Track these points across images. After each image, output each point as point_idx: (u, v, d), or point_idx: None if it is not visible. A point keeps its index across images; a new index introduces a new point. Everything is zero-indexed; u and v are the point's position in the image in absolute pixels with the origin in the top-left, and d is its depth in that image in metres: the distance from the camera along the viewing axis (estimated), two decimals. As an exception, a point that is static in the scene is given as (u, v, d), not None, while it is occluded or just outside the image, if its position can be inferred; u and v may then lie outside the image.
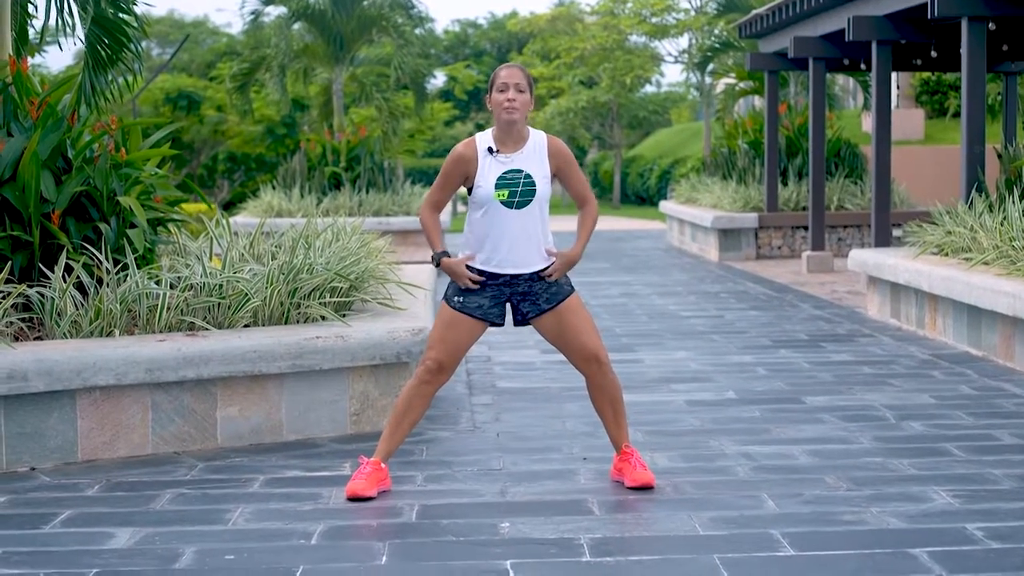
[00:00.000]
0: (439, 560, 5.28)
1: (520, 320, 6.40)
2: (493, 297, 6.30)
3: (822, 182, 18.34)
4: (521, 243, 6.23)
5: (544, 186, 6.24)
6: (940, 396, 8.67)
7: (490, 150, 6.23)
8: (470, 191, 6.29)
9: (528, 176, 6.21)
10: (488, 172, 6.21)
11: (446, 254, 6.27)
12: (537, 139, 6.30)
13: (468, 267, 6.29)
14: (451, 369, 6.35)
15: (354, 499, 6.15)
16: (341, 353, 7.56)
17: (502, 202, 6.18)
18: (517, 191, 6.19)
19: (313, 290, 8.15)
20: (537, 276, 6.29)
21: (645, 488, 6.29)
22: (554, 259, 6.29)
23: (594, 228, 6.47)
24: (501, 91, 6.19)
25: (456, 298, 6.30)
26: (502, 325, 6.43)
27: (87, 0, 8.99)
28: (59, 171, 8.20)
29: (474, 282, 6.23)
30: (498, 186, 6.18)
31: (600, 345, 6.37)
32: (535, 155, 6.26)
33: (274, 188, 22.51)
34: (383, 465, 6.30)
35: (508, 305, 6.37)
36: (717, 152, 23.97)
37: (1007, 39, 16.29)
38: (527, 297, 6.32)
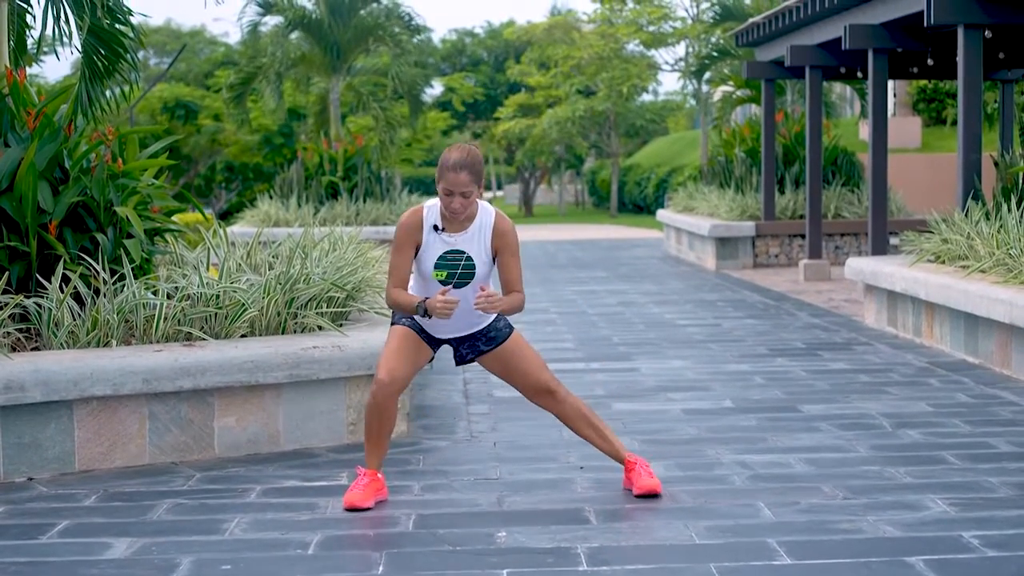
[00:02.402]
0: (435, 570, 5.28)
1: (459, 360, 6.45)
2: (430, 338, 6.34)
3: (819, 190, 18.36)
4: (458, 317, 6.22)
5: (484, 269, 6.19)
6: (937, 404, 8.68)
7: (435, 227, 6.16)
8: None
9: (469, 259, 6.15)
10: (431, 249, 6.16)
11: (425, 299, 6.14)
12: (484, 219, 6.20)
13: (402, 318, 6.30)
14: (402, 377, 6.26)
15: (352, 510, 6.16)
16: (338, 363, 7.56)
17: (440, 281, 6.16)
18: (456, 272, 6.15)
19: (310, 300, 8.16)
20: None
21: (652, 495, 6.30)
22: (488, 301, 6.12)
23: (512, 310, 6.21)
24: (447, 195, 6.05)
25: (403, 319, 6.31)
26: (431, 359, 6.44)
27: (83, 11, 8.99)
28: (56, 181, 8.21)
29: (452, 303, 6.10)
30: (437, 266, 6.15)
31: (549, 378, 6.39)
32: (479, 236, 6.19)
33: (271, 198, 22.53)
34: (379, 475, 6.31)
35: (448, 347, 6.43)
36: (714, 161, 24.00)
37: (1003, 47, 16.33)
38: (465, 341, 6.38)
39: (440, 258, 6.16)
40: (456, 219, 6.13)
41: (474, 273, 6.17)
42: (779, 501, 6.21)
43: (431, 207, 6.22)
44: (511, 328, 6.41)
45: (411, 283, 6.29)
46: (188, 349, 7.34)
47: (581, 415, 6.46)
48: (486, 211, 6.23)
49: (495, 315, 6.35)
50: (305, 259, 8.57)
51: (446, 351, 6.55)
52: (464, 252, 6.17)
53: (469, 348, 6.39)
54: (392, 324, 6.37)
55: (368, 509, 6.17)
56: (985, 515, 5.92)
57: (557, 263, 22.44)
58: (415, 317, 6.25)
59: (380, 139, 27.89)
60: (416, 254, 6.20)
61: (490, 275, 6.28)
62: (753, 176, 21.79)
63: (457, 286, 6.17)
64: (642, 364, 10.62)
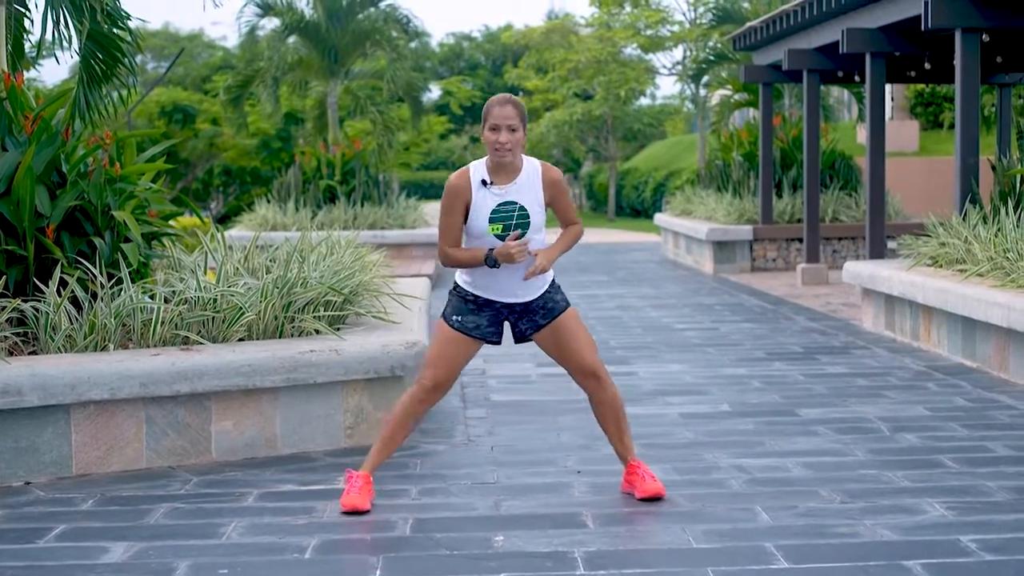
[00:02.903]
0: (433, 574, 5.28)
1: (519, 337, 6.42)
2: (491, 317, 6.31)
3: (816, 194, 18.37)
4: (515, 274, 6.23)
5: (538, 217, 6.21)
6: (934, 408, 8.68)
7: (484, 182, 6.17)
8: (464, 221, 6.25)
9: (522, 209, 6.16)
10: (482, 205, 6.16)
11: (492, 250, 6.15)
12: (531, 168, 6.24)
13: (465, 290, 6.29)
14: (447, 387, 6.36)
15: (351, 513, 6.16)
16: (335, 367, 7.56)
17: (496, 236, 6.15)
18: (511, 224, 6.15)
19: (307, 304, 8.15)
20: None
21: (656, 499, 6.30)
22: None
23: (573, 243, 6.38)
24: (493, 130, 6.10)
25: (455, 317, 6.30)
26: (499, 344, 6.44)
27: (82, 15, 8.99)
28: (54, 185, 8.20)
29: (523, 245, 6.09)
30: (492, 220, 6.15)
31: (597, 361, 6.39)
32: (529, 186, 6.21)
33: (269, 202, 22.51)
34: (371, 479, 6.33)
35: (506, 324, 6.38)
36: (712, 164, 24.00)
37: (1001, 51, 16.34)
38: (524, 316, 6.33)
39: (493, 212, 6.14)
40: (504, 158, 6.10)
41: (529, 222, 6.16)
42: (776, 505, 6.21)
43: (476, 166, 6.23)
44: (568, 303, 6.41)
45: (466, 244, 6.28)
46: (185, 353, 7.33)
47: (615, 408, 6.44)
48: (531, 162, 6.26)
49: (552, 280, 6.37)
50: (302, 263, 8.56)
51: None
52: (516, 202, 6.16)
53: (528, 323, 6.35)
54: (444, 319, 6.33)
55: (367, 511, 6.17)
56: (983, 519, 5.92)
57: (557, 266, 22.41)
58: (473, 295, 6.25)
59: (378, 143, 27.88)
60: (466, 217, 6.19)
61: (544, 222, 6.26)
62: (751, 180, 21.79)
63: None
64: (640, 368, 10.62)
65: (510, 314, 6.34)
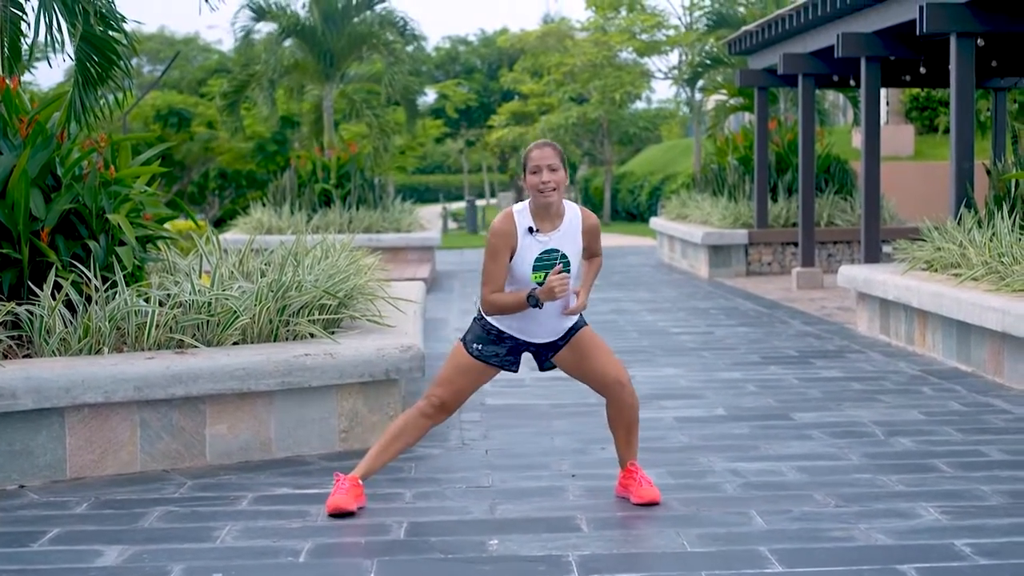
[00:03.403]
0: (427, 578, 5.28)
1: (543, 366, 6.46)
2: (512, 349, 6.33)
3: (811, 198, 18.38)
4: (551, 319, 6.24)
5: (577, 264, 6.22)
6: (929, 412, 8.68)
7: (530, 230, 6.14)
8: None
9: (564, 256, 6.15)
10: (527, 253, 6.13)
11: (535, 289, 6.11)
12: (572, 215, 6.23)
13: (491, 324, 6.28)
14: (453, 409, 6.39)
15: (337, 514, 6.16)
16: (330, 370, 7.56)
17: (538, 283, 6.12)
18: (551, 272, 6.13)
19: (302, 307, 8.15)
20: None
21: (651, 504, 6.29)
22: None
23: (597, 275, 6.49)
24: (534, 173, 6.08)
25: (475, 345, 6.29)
26: (516, 372, 6.47)
27: (76, 18, 8.98)
28: (48, 189, 8.20)
29: (563, 281, 6.07)
30: (535, 268, 6.12)
31: (621, 368, 6.40)
32: (571, 233, 6.21)
33: (264, 205, 22.51)
34: (360, 482, 6.31)
35: (527, 354, 6.41)
36: (707, 168, 24.02)
37: (996, 55, 16.35)
38: (549, 348, 6.37)
39: (537, 260, 6.13)
40: (550, 198, 6.07)
41: (569, 271, 6.16)
42: (771, 509, 6.21)
43: (520, 211, 6.18)
44: (584, 321, 6.43)
45: (505, 285, 6.25)
46: (180, 356, 7.33)
47: (632, 412, 6.41)
48: (572, 208, 6.26)
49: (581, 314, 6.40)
50: (297, 266, 8.56)
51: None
52: (559, 251, 6.16)
53: (550, 348, 6.37)
54: (464, 345, 6.32)
55: (352, 513, 6.17)
56: (977, 523, 5.92)
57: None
58: (498, 331, 6.26)
59: (374, 146, 27.89)
60: (511, 259, 6.17)
61: (580, 268, 6.28)
62: (746, 184, 21.81)
63: None
64: (635, 372, 10.61)
65: (532, 347, 6.35)
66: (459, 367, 6.32)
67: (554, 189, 6.07)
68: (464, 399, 6.40)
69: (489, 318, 6.28)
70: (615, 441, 6.50)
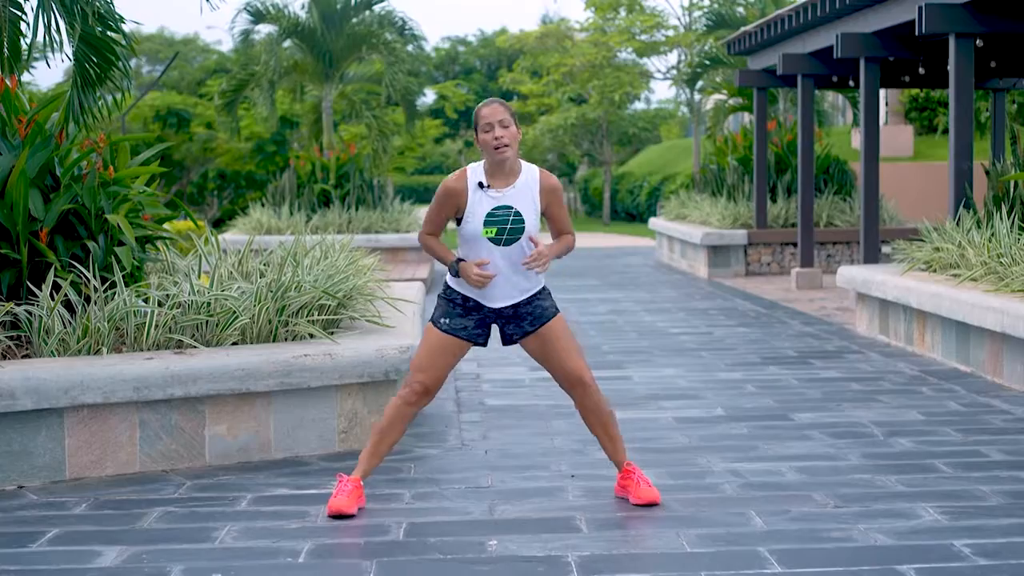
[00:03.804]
0: (427, 578, 5.28)
1: (506, 340, 6.43)
2: (478, 320, 6.33)
3: (811, 199, 18.38)
4: (507, 278, 6.24)
5: (533, 222, 6.22)
6: (928, 412, 8.68)
7: (481, 185, 6.19)
8: (458, 223, 6.27)
9: (517, 213, 6.17)
10: (477, 207, 6.18)
11: (460, 260, 6.22)
12: (529, 174, 6.26)
13: (454, 291, 6.31)
14: (435, 391, 6.39)
15: (337, 517, 6.16)
16: (329, 371, 7.56)
17: (490, 239, 6.16)
18: (506, 228, 6.16)
19: (301, 308, 8.15)
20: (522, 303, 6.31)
21: (651, 505, 6.29)
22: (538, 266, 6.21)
23: (566, 252, 6.41)
24: (486, 131, 6.14)
25: (443, 320, 6.31)
26: (485, 346, 6.46)
27: (75, 18, 8.97)
28: (47, 189, 8.20)
29: (486, 277, 6.15)
30: (486, 223, 6.16)
31: (584, 367, 6.39)
32: (526, 191, 6.22)
33: (263, 205, 22.52)
34: (361, 483, 6.32)
35: (494, 327, 6.39)
36: (706, 169, 24.02)
37: (995, 55, 16.36)
38: (512, 320, 6.34)
39: (488, 215, 6.16)
40: (504, 154, 6.11)
41: (523, 228, 6.18)
42: (770, 509, 6.21)
43: (474, 168, 6.25)
44: (556, 310, 6.42)
45: (459, 247, 6.30)
46: (179, 357, 7.32)
47: (600, 414, 6.43)
48: (529, 168, 6.29)
49: (542, 287, 6.37)
50: (296, 267, 8.56)
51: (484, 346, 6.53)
52: (512, 207, 6.17)
53: (515, 328, 6.35)
54: (433, 323, 6.35)
55: (353, 516, 6.17)
56: (976, 524, 5.92)
57: (549, 271, 22.41)
58: (461, 298, 6.28)
59: (373, 147, 27.87)
60: (459, 217, 6.21)
61: (537, 230, 6.28)
62: (745, 184, 21.82)
63: (507, 243, 6.17)
64: (634, 372, 10.62)
65: (498, 318, 6.35)
66: (432, 347, 6.32)
67: (507, 144, 6.11)
68: (443, 377, 6.38)
69: (450, 281, 6.32)
70: (599, 442, 6.52)
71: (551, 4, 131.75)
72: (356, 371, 7.64)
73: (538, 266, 6.17)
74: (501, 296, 6.30)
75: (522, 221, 6.18)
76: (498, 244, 6.17)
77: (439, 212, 6.29)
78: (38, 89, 39.35)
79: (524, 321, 6.34)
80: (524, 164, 6.28)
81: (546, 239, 6.41)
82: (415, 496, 6.60)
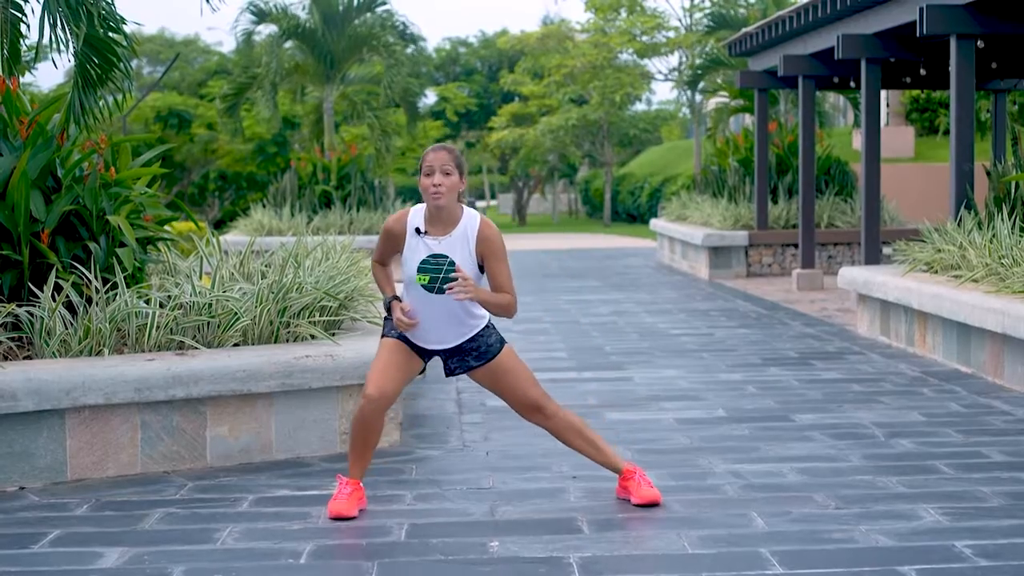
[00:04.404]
0: (428, 579, 5.28)
1: (449, 373, 6.40)
2: (418, 350, 6.29)
3: (812, 200, 18.38)
4: (442, 323, 6.18)
5: (470, 273, 6.08)
6: (929, 413, 8.68)
7: (418, 231, 6.11)
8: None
9: (452, 263, 6.05)
10: (413, 253, 6.11)
11: (396, 298, 6.19)
12: (469, 223, 6.13)
13: (393, 333, 6.26)
14: (391, 393, 6.24)
15: (337, 519, 6.15)
16: (330, 372, 7.56)
17: (423, 286, 6.09)
18: (439, 277, 6.06)
19: (303, 309, 8.15)
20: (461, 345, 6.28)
21: (652, 505, 6.29)
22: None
23: (498, 306, 6.13)
24: (427, 174, 6.04)
25: (392, 330, 6.26)
26: (423, 369, 6.43)
27: (79, 19, 8.98)
28: (48, 190, 8.20)
29: (408, 324, 6.13)
30: (420, 270, 6.07)
31: (539, 394, 6.34)
32: (463, 241, 6.11)
33: (264, 206, 22.53)
34: (360, 485, 6.31)
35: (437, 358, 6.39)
36: (708, 170, 24.02)
37: (996, 57, 16.36)
38: (454, 355, 6.31)
39: (423, 262, 6.08)
40: (438, 201, 6.01)
41: (456, 278, 6.07)
42: (772, 511, 6.21)
43: (417, 211, 6.18)
44: (502, 343, 6.35)
45: (401, 288, 6.27)
46: (180, 358, 7.33)
47: (573, 428, 6.42)
48: (471, 216, 6.16)
49: (484, 326, 6.28)
50: (298, 268, 8.56)
51: (437, 362, 6.52)
52: (447, 256, 6.07)
53: (458, 362, 6.32)
54: (383, 336, 6.33)
55: (353, 518, 6.17)
56: (978, 524, 5.92)
57: (550, 272, 22.45)
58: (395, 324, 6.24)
59: (375, 148, 27.89)
60: (400, 254, 6.20)
61: (478, 278, 6.21)
62: (746, 185, 21.83)
63: (439, 291, 6.09)
64: (635, 373, 10.62)
65: (440, 351, 6.30)
66: (384, 354, 6.23)
67: (443, 193, 6.01)
68: (400, 383, 6.25)
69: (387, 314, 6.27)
70: (587, 456, 6.50)
71: (552, 5, 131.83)
72: (357, 372, 7.63)
73: (460, 290, 5.98)
74: (436, 340, 6.24)
75: (452, 269, 6.05)
76: (431, 291, 6.09)
77: (383, 246, 6.29)
78: (39, 90, 39.39)
79: (468, 356, 6.29)
80: (467, 212, 6.15)
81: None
82: (416, 497, 6.60)
